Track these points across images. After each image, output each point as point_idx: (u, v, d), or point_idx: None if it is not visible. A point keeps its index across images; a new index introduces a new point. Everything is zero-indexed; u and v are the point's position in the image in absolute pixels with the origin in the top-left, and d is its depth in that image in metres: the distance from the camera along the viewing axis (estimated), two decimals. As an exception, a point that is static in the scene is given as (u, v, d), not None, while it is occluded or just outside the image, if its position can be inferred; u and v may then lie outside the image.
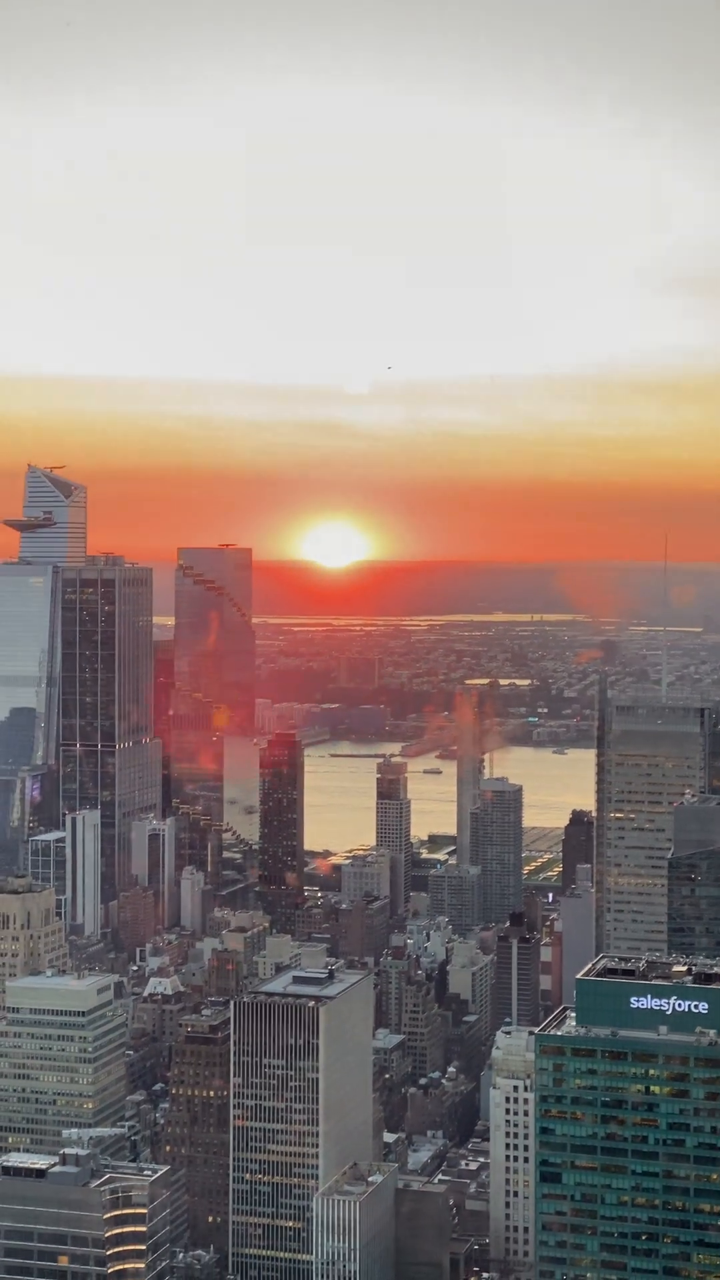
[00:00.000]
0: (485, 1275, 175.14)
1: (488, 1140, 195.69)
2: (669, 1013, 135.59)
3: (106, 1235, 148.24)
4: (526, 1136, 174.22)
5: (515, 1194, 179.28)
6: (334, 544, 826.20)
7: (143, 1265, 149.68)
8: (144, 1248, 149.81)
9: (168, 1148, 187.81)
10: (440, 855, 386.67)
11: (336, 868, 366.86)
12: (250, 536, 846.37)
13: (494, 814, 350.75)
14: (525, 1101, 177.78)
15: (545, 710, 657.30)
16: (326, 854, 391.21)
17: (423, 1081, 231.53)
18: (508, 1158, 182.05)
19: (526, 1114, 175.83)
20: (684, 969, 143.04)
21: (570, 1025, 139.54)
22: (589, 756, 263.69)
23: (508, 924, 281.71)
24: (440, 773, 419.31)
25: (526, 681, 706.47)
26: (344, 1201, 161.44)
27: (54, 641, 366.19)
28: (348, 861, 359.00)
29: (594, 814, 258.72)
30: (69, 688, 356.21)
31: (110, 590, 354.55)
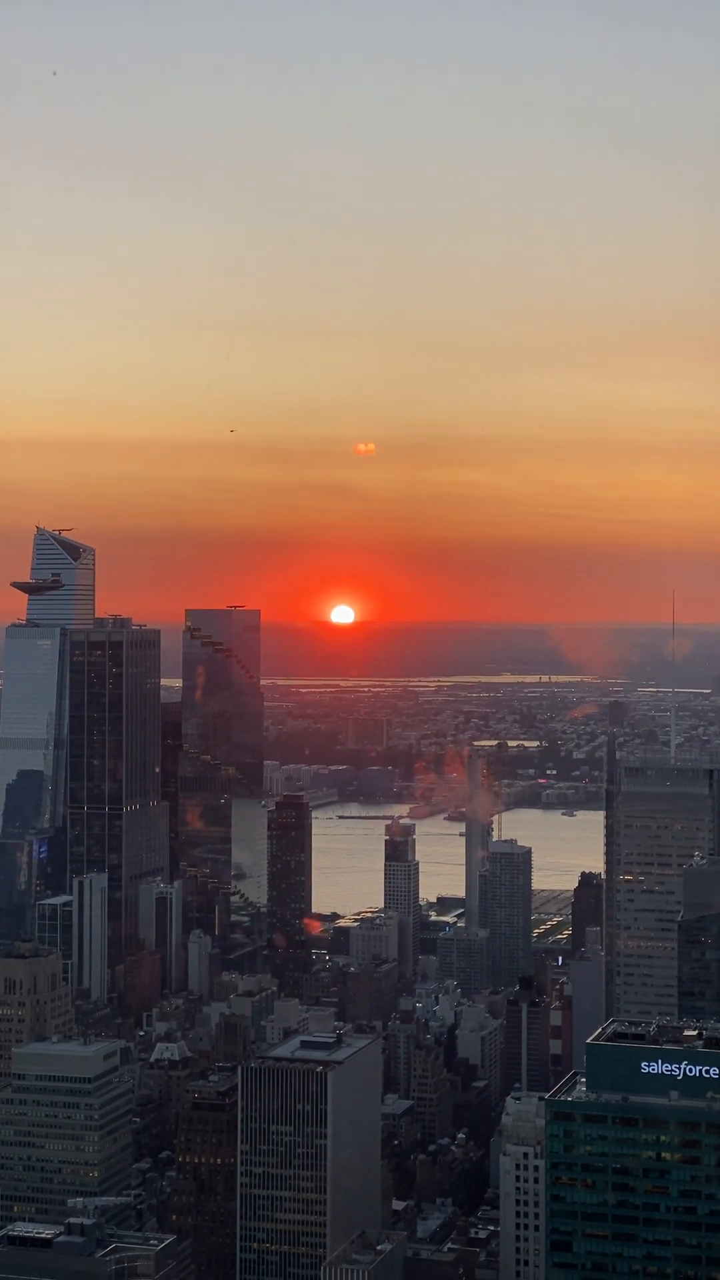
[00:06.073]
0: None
1: (497, 1208, 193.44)
2: (680, 1078, 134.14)
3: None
4: (537, 1204, 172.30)
5: (526, 1263, 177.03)
6: (341, 605, 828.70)
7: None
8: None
9: (174, 1216, 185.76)
10: (449, 918, 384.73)
11: (343, 930, 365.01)
12: (258, 597, 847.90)
13: (503, 876, 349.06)
14: (535, 1169, 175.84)
15: (554, 772, 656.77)
16: (334, 916, 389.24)
17: (432, 1148, 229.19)
18: (518, 1226, 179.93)
19: (537, 1181, 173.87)
20: (695, 1033, 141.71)
21: (580, 1091, 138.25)
22: (598, 818, 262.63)
23: (517, 987, 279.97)
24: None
25: (535, 743, 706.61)
26: (352, 1270, 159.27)
27: (62, 704, 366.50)
28: (356, 924, 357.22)
29: (603, 876, 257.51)
30: (76, 750, 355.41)
31: (118, 652, 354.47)
